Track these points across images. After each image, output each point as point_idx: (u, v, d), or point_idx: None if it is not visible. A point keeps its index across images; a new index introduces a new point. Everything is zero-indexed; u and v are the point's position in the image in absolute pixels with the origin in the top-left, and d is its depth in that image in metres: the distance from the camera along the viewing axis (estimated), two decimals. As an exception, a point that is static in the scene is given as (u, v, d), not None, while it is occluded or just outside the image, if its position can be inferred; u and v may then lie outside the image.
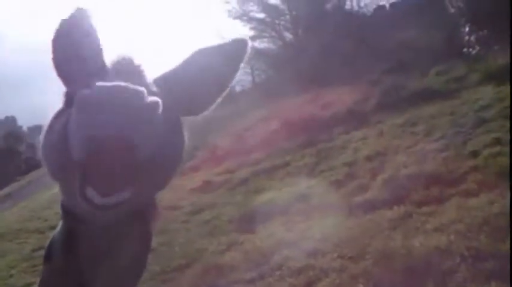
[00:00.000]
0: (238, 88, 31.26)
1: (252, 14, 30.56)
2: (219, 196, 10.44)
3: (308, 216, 7.41)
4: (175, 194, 10.55)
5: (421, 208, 6.28)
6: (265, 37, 31.19)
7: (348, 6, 28.75)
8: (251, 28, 30.78)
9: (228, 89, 1.39)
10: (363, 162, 9.19)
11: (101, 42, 1.25)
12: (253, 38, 30.77)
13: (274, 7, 30.11)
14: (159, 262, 7.12)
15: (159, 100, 1.09)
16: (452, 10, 15.19)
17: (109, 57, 1.27)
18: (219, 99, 1.39)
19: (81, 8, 1.27)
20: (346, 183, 8.32)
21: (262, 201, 8.76)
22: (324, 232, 6.46)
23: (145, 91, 1.07)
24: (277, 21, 30.48)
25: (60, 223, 1.32)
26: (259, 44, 31.35)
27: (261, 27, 30.84)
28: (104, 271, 1.27)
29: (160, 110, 1.09)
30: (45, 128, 1.23)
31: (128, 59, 1.26)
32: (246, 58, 1.40)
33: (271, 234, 7.18)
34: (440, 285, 4.49)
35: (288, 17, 29.89)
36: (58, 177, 1.22)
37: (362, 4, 28.33)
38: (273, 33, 30.75)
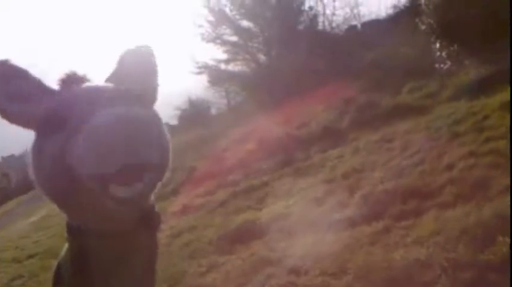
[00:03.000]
0: (214, 111, 31.37)
1: (225, 37, 30.67)
2: (199, 219, 10.41)
3: (288, 234, 7.42)
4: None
5: (399, 222, 6.33)
6: (238, 60, 31.32)
7: (320, 26, 29.02)
8: (224, 51, 30.94)
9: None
10: (341, 179, 9.25)
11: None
12: (227, 61, 30.93)
13: (246, 30, 30.26)
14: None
15: (157, 114, 1.21)
16: (423, 27, 15.39)
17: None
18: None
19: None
20: (324, 200, 8.35)
21: (242, 222, 8.75)
22: (305, 250, 6.48)
23: (148, 115, 1.20)
24: (250, 44, 30.60)
25: (66, 247, 1.35)
26: (233, 67, 31.52)
27: (234, 50, 30.94)
28: (118, 283, 1.29)
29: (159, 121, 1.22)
30: (31, 153, 1.27)
31: (72, 72, 1.35)
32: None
33: (252, 254, 7.17)
34: (421, 297, 4.53)
35: (260, 39, 30.02)
36: (60, 196, 1.25)
37: (334, 24, 28.62)
38: (247, 56, 30.85)
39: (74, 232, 1.32)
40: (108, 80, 1.38)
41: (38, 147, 1.28)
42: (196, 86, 29.95)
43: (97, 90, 1.31)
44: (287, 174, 11.34)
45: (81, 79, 1.35)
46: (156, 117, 1.33)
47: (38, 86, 1.35)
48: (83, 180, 1.16)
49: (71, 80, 1.34)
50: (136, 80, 1.34)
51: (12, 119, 1.32)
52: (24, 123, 1.33)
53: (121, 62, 1.40)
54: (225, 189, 12.14)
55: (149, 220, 1.35)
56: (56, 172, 1.22)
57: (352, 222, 6.91)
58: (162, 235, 9.73)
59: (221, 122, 24.65)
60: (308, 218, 7.70)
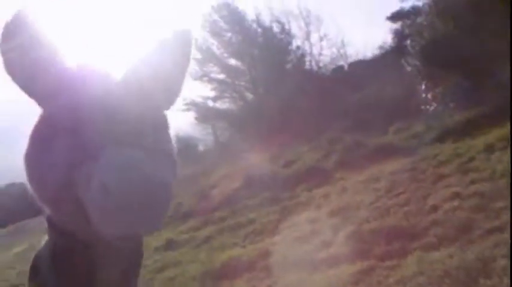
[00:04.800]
0: (201, 147, 31.36)
1: (212, 75, 30.92)
2: (183, 254, 10.37)
3: (273, 272, 7.41)
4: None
5: (383, 262, 6.35)
6: (226, 97, 31.47)
7: (307, 66, 29.24)
8: (212, 89, 31.11)
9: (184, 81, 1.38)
10: (326, 218, 9.26)
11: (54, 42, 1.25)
12: (214, 99, 31.06)
13: (234, 68, 30.51)
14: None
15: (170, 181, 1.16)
16: (408, 69, 15.64)
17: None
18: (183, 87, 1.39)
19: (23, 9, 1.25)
20: (309, 239, 8.35)
21: (227, 258, 8.73)
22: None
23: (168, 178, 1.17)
24: (237, 82, 30.83)
25: (46, 239, 1.32)
26: (220, 105, 31.63)
27: (221, 87, 31.10)
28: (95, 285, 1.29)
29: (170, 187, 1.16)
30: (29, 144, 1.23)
31: (92, 62, 1.26)
32: (190, 47, 1.36)
33: (236, 291, 7.17)
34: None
35: (248, 77, 30.21)
36: (53, 207, 1.24)
37: (321, 64, 28.86)
38: (234, 94, 31.03)
39: (54, 227, 1.29)
40: (134, 68, 1.29)
41: (39, 145, 1.23)
42: (184, 122, 29.94)
43: (114, 110, 1.20)
44: (273, 212, 11.34)
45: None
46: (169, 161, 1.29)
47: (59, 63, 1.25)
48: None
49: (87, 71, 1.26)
50: (169, 74, 1.28)
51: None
52: (30, 92, 1.27)
53: (161, 47, 1.30)
54: (211, 225, 12.12)
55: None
56: (59, 189, 1.17)
57: (336, 261, 6.91)
58: (145, 270, 9.68)
59: (208, 159, 24.67)
60: (293, 256, 7.69)
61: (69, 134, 1.18)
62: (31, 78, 1.23)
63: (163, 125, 1.32)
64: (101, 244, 1.21)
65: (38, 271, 1.34)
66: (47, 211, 1.26)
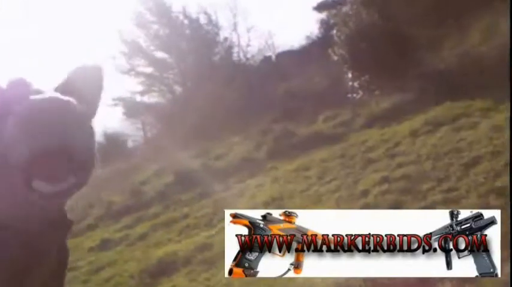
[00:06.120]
0: (130, 143, 30.87)
1: (139, 68, 30.44)
2: (119, 253, 10.26)
3: (211, 265, 7.45)
4: (72, 255, 10.29)
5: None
6: (154, 91, 31.09)
7: (235, 57, 29.27)
8: (139, 83, 30.72)
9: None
10: (260, 208, 9.34)
11: None
12: (142, 93, 30.63)
13: (161, 61, 30.15)
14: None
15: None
16: (335, 58, 15.86)
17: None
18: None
19: None
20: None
21: (163, 254, 8.70)
22: (229, 279, 6.51)
23: (73, 101, 1.19)
24: (165, 75, 30.46)
25: None
26: (148, 99, 31.28)
27: (149, 81, 30.67)
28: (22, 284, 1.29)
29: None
30: None
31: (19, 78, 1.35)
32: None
33: (175, 286, 7.16)
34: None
35: (176, 70, 29.94)
36: None
37: (249, 55, 28.91)
38: (162, 87, 30.68)
39: None
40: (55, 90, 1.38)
41: None
42: (112, 118, 29.43)
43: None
44: (207, 205, 11.34)
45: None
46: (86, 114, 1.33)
47: None
48: (8, 168, 1.17)
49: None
50: (81, 95, 1.36)
51: None
52: None
53: (70, 79, 1.41)
54: (145, 222, 12.02)
55: (60, 223, 1.36)
56: None
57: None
58: (79, 272, 9.53)
59: (138, 155, 24.41)
60: (229, 248, 7.73)
61: None
62: None
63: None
64: (23, 229, 1.24)
65: None
66: None
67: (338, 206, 7.70)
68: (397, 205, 6.84)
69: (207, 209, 11.00)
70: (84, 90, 1.38)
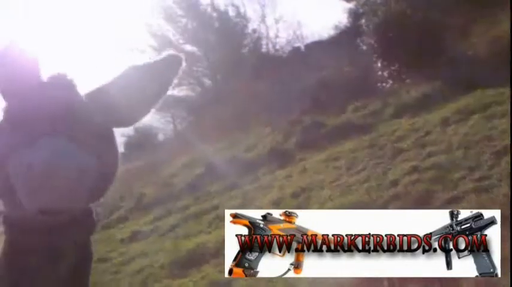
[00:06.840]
0: (161, 137, 31.06)
1: (169, 62, 30.27)
2: (149, 244, 10.32)
3: (239, 256, 7.44)
4: (104, 246, 10.41)
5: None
6: (183, 85, 31.19)
7: (264, 49, 29.22)
8: (168, 76, 30.52)
9: (158, 103, 1.51)
10: (289, 199, 9.32)
11: (36, 57, 1.35)
12: (172, 86, 30.60)
13: (190, 54, 30.19)
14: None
15: (88, 164, 1.22)
16: (364, 47, 15.74)
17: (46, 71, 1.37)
18: (148, 112, 1.51)
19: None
20: (274, 221, 8.38)
21: (193, 245, 8.73)
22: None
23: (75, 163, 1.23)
24: (195, 68, 30.54)
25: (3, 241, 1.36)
26: (178, 92, 31.39)
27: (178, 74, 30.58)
28: (45, 281, 1.29)
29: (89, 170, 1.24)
30: None
31: (61, 74, 1.36)
32: (176, 73, 1.54)
33: (204, 277, 7.18)
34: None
35: (205, 63, 30.00)
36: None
37: (278, 47, 28.83)
38: (192, 80, 30.77)
39: (7, 224, 1.34)
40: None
41: None
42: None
43: (49, 107, 1.33)
44: (236, 196, 11.35)
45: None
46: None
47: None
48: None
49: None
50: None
51: None
52: None
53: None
54: (175, 214, 12.08)
55: (82, 221, 1.37)
56: None
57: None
58: (110, 264, 9.62)
59: (168, 148, 24.51)
60: (258, 239, 7.72)
61: (13, 126, 1.32)
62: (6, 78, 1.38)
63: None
64: (44, 226, 1.26)
65: None
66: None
67: (369, 196, 7.63)
68: (427, 195, 6.76)
69: (237, 201, 11.01)
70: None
